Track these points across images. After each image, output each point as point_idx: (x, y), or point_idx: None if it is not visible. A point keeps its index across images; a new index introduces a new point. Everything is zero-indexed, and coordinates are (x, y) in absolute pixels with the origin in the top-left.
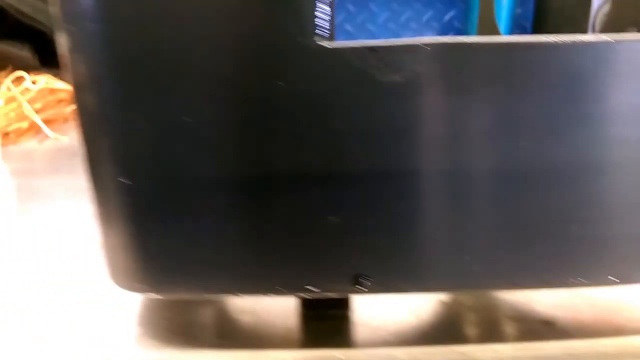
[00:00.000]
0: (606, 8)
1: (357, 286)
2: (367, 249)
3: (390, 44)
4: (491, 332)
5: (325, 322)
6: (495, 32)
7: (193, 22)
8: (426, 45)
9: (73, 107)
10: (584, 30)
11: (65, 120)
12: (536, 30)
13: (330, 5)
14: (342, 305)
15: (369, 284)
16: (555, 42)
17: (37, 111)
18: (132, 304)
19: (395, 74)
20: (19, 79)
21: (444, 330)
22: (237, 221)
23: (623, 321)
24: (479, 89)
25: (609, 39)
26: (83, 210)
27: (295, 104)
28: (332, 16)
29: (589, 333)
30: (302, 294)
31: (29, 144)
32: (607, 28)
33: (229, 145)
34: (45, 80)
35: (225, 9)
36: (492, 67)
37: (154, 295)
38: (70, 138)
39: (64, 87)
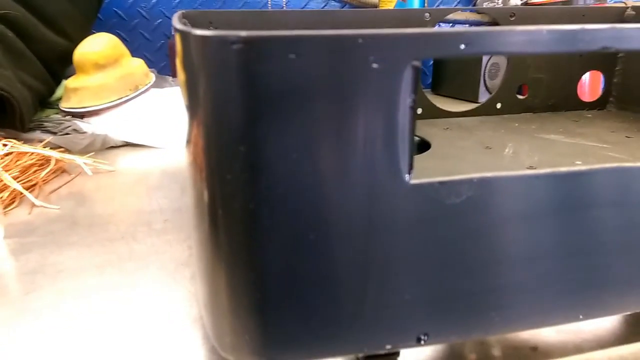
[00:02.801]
0: (494, 59)
1: (419, 342)
2: (433, 315)
3: (451, 180)
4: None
5: None
6: None
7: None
8: (474, 179)
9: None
10: (477, 79)
11: (40, 186)
12: (435, 76)
13: (411, 151)
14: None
15: (427, 338)
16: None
17: (15, 179)
18: None
19: (455, 198)
20: None
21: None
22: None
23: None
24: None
25: None
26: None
27: (389, 232)
28: (413, 159)
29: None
30: (379, 352)
31: (19, 216)
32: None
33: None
34: (10, 145)
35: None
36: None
37: None
38: (61, 207)
39: (28, 149)
